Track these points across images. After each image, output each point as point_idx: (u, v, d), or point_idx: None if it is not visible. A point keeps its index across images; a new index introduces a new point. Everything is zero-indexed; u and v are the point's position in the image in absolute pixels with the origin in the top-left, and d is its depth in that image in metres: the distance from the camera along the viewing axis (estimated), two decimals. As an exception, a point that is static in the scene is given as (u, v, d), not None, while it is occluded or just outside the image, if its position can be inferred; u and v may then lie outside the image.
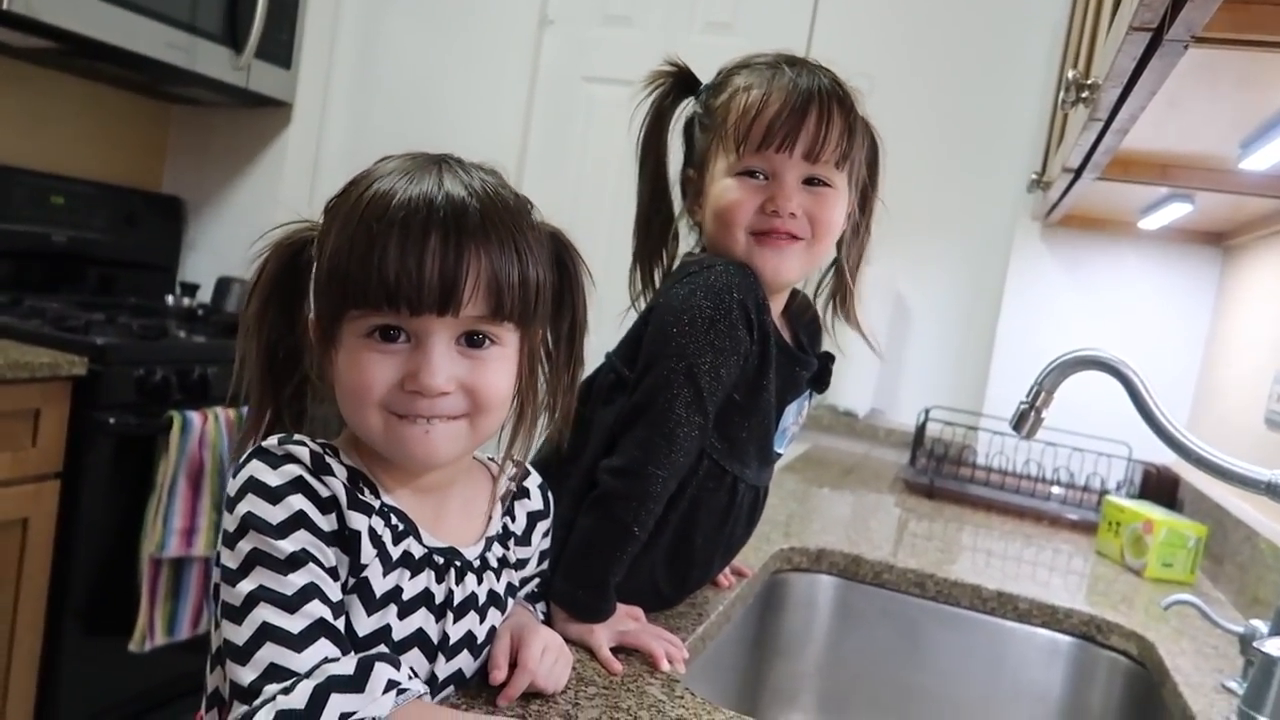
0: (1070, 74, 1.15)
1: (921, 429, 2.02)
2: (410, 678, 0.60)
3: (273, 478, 0.61)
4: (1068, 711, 1.27)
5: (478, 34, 2.60)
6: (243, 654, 0.58)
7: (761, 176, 0.89)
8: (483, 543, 0.73)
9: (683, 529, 0.91)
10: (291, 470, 0.62)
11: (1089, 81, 1.11)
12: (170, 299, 2.45)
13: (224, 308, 2.44)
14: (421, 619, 0.67)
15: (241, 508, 0.60)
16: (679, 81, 0.96)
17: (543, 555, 0.82)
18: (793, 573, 1.34)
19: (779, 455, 0.99)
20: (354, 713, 0.56)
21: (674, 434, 0.84)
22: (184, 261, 2.70)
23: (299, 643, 0.58)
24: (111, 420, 1.77)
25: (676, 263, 0.98)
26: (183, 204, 2.68)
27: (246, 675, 0.57)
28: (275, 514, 0.60)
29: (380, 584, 0.64)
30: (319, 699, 0.56)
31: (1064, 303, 2.12)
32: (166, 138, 2.71)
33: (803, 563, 1.34)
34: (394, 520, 0.66)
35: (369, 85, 2.69)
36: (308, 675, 0.57)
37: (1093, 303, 2.10)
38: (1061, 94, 1.18)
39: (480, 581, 0.71)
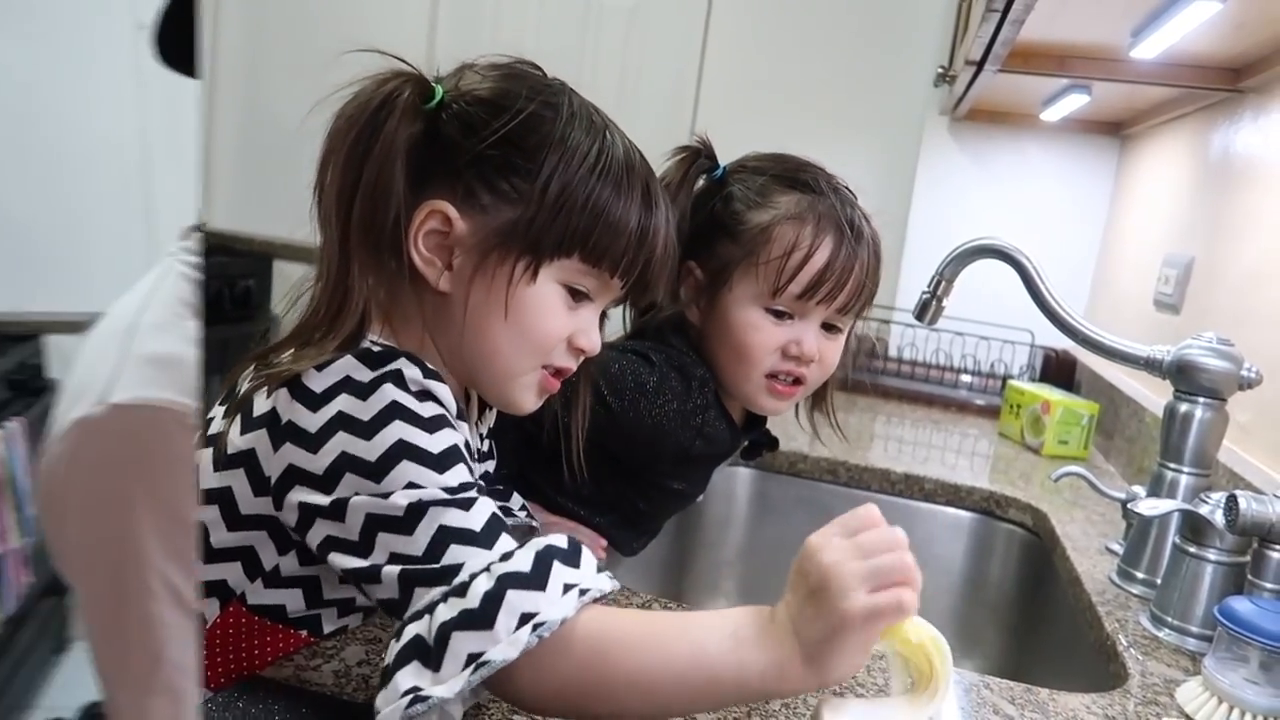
0: (969, -36, 1.16)
1: (836, 325, 2.07)
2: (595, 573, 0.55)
3: (416, 373, 0.59)
4: (970, 581, 1.36)
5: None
6: (425, 560, 0.53)
7: (788, 318, 0.88)
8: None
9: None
10: (415, 375, 0.59)
11: (986, -28, 1.12)
12: None
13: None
14: None
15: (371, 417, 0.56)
16: (699, 158, 0.92)
17: None
18: (712, 467, 1.38)
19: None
20: (535, 613, 0.51)
21: None
22: None
23: (483, 539, 0.54)
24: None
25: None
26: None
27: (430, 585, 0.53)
28: (424, 410, 0.58)
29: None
30: (494, 598, 0.51)
31: (973, 196, 2.17)
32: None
33: (721, 457, 1.39)
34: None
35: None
36: (484, 570, 0.53)
37: (1000, 195, 2.15)
38: (961, -15, 1.19)
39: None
